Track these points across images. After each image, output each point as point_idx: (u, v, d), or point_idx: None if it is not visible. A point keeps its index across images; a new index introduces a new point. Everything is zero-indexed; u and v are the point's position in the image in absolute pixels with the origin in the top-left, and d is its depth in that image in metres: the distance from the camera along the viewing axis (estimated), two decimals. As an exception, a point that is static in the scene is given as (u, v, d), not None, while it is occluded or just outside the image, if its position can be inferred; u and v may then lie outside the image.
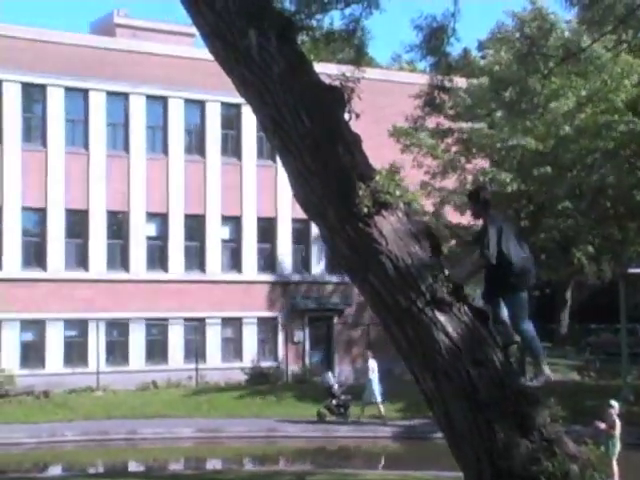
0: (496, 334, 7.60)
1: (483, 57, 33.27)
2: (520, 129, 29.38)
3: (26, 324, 33.58)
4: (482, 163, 33.27)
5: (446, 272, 7.52)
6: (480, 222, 8.00)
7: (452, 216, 32.64)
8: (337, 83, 7.87)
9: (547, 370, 7.75)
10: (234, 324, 36.87)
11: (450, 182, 33.02)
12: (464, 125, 32.00)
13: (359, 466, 23.47)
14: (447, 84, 11.91)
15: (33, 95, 34.49)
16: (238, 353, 36.81)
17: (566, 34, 24.63)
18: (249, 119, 34.92)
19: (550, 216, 31.61)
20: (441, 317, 7.34)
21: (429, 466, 20.36)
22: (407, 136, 32.57)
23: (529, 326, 7.81)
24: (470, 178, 32.44)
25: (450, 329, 7.32)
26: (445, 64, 11.81)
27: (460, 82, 30.77)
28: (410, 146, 32.49)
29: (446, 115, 32.20)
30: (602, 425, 16.02)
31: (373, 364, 27.55)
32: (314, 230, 34.93)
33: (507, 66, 27.56)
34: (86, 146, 35.04)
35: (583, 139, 29.47)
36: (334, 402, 27.48)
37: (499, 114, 29.22)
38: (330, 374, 29.34)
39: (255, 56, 7.55)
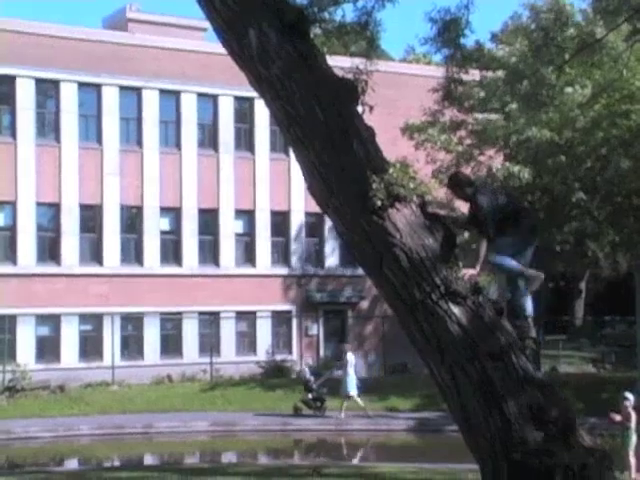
0: (512, 327, 7.58)
1: (498, 48, 33.15)
2: (535, 121, 29.29)
3: (41, 319, 33.73)
4: (495, 155, 33.19)
5: (460, 264, 7.51)
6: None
7: (464, 207, 32.57)
8: (350, 76, 7.86)
9: (532, 271, 7.77)
10: (248, 318, 36.93)
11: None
12: (479, 116, 31.91)
13: (374, 459, 23.49)
14: (463, 76, 11.88)
15: (46, 90, 34.60)
16: (252, 347, 36.88)
17: (581, 24, 24.55)
18: (262, 113, 34.96)
19: (565, 208, 31.51)
20: (456, 309, 7.33)
21: (444, 459, 20.34)
22: (419, 132, 32.54)
23: (507, 260, 7.78)
24: (484, 170, 32.35)
25: (465, 321, 7.31)
26: (460, 56, 11.78)
27: (474, 74, 30.73)
28: (424, 142, 32.46)
29: (460, 107, 32.14)
30: (617, 417, 15.96)
31: (351, 358, 27.54)
32: (328, 223, 34.93)
33: (522, 58, 27.48)
34: (99, 141, 35.13)
35: (598, 130, 29.34)
36: (310, 396, 27.50)
37: (514, 106, 29.14)
38: (307, 368, 29.34)
39: (267, 50, 7.54)
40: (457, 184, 8.01)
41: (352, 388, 26.88)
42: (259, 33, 7.56)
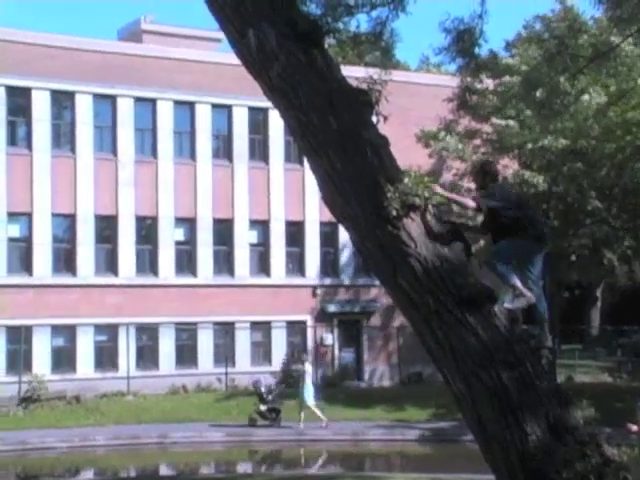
0: (527, 336, 7.56)
1: (511, 56, 33.17)
2: (551, 129, 29.26)
3: (57, 329, 33.84)
4: (511, 163, 33.14)
5: (476, 274, 7.49)
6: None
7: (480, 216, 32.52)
8: (364, 86, 7.87)
9: (527, 292, 7.70)
10: (263, 328, 36.93)
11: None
12: (496, 121, 31.87)
13: (389, 469, 23.43)
14: (477, 86, 11.87)
15: (62, 102, 34.79)
16: (267, 357, 36.87)
17: (595, 32, 24.51)
18: (276, 123, 35.00)
19: (580, 216, 31.42)
20: (471, 318, 7.31)
21: (460, 469, 20.28)
22: (435, 140, 32.54)
23: (504, 267, 7.73)
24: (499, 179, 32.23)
25: (480, 330, 7.29)
26: (474, 66, 11.77)
27: (488, 83, 30.71)
28: (441, 150, 32.46)
29: (475, 116, 32.14)
30: (634, 427, 15.86)
31: (309, 368, 27.58)
32: (342, 233, 34.90)
33: (535, 66, 27.46)
34: (114, 152, 35.28)
35: (613, 138, 29.27)
36: (263, 407, 27.49)
37: (528, 112, 29.11)
38: (262, 379, 29.33)
39: (281, 60, 7.57)
40: (487, 172, 8.00)
41: (310, 398, 26.92)
42: (272, 43, 7.59)
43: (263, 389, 27.97)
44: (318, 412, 26.80)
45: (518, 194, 8.09)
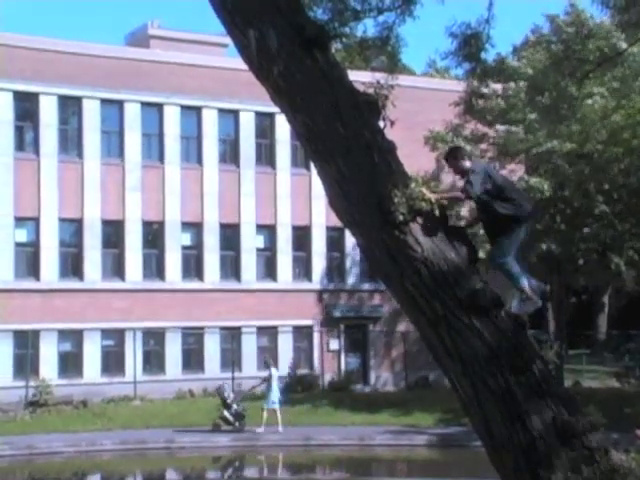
0: (534, 341, 7.54)
1: (518, 60, 33.18)
2: (557, 133, 29.24)
3: (64, 334, 33.89)
4: (517, 168, 33.13)
5: (484, 279, 7.47)
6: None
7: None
8: (371, 90, 7.87)
9: (534, 296, 7.64)
10: (270, 333, 36.94)
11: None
12: (500, 127, 31.90)
13: (396, 474, 23.39)
14: (484, 90, 11.85)
15: (69, 107, 34.89)
16: (274, 361, 36.72)
17: (603, 36, 24.51)
18: (283, 128, 35.07)
19: (588, 220, 31.37)
20: (478, 323, 7.30)
21: (467, 474, 20.24)
22: (442, 142, 32.55)
23: (510, 262, 7.68)
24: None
25: (487, 335, 7.27)
26: (481, 71, 11.74)
27: (495, 87, 30.68)
28: None
29: (482, 120, 32.14)
30: (643, 433, 15.80)
31: (274, 372, 27.55)
32: (349, 238, 34.92)
33: (542, 70, 27.48)
34: (121, 157, 35.35)
35: (619, 141, 29.23)
36: (226, 413, 27.47)
37: (533, 116, 29.09)
38: (226, 385, 29.31)
39: (282, 61, 7.57)
40: (456, 156, 7.93)
41: (275, 402, 26.93)
42: (278, 48, 7.59)
43: (227, 395, 28.00)
44: (279, 416, 26.87)
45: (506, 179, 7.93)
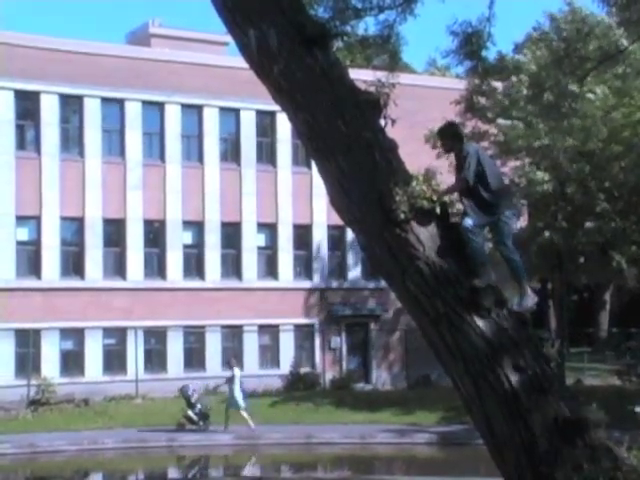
0: (536, 339, 7.54)
1: (521, 56, 33.13)
2: (558, 129, 29.24)
3: (65, 333, 33.90)
4: (519, 165, 33.08)
5: (485, 277, 7.47)
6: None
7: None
8: (373, 89, 7.86)
9: (530, 292, 7.64)
10: (271, 331, 36.94)
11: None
12: (502, 122, 31.82)
13: (398, 472, 23.40)
14: (485, 88, 11.85)
15: (70, 106, 34.88)
16: (275, 360, 36.87)
17: (604, 34, 24.48)
18: (284, 126, 35.04)
19: (589, 218, 31.36)
20: (480, 322, 7.30)
21: (469, 472, 20.24)
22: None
23: (509, 248, 7.69)
24: (506, 181, 32.25)
25: (489, 334, 7.27)
26: (482, 69, 11.75)
27: (496, 85, 30.63)
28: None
29: (482, 118, 32.11)
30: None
31: (237, 372, 27.51)
32: (350, 236, 34.93)
33: (544, 67, 27.47)
34: (122, 155, 35.34)
35: (620, 140, 29.22)
36: (190, 412, 27.46)
37: (533, 109, 29.05)
38: (190, 385, 29.25)
39: (283, 59, 7.57)
40: (453, 135, 7.92)
41: (240, 402, 26.90)
42: (280, 46, 7.59)
43: (190, 394, 28.00)
44: (247, 417, 26.84)
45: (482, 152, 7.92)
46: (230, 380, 27.29)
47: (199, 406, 27.67)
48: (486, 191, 7.56)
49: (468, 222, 7.43)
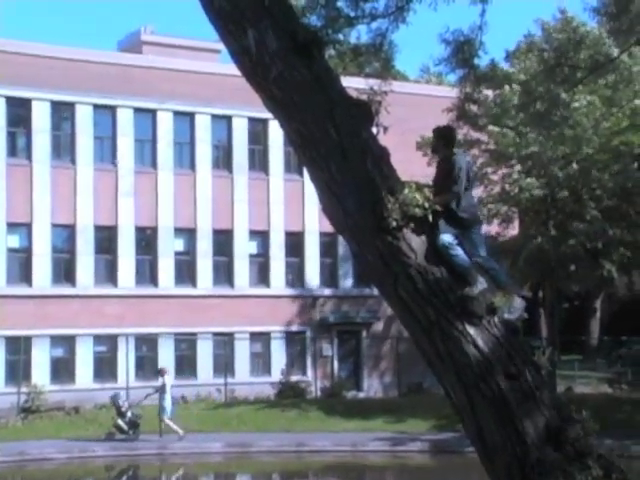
0: (527, 347, 7.56)
1: (511, 66, 33.31)
2: (549, 138, 29.37)
3: (56, 340, 33.81)
4: (509, 172, 33.21)
5: (478, 285, 7.48)
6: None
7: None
8: (365, 97, 7.88)
9: (518, 298, 7.63)
10: (262, 339, 36.90)
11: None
12: (494, 128, 31.94)
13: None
14: (477, 96, 11.88)
15: (62, 112, 34.85)
16: (267, 368, 36.83)
17: (595, 43, 24.63)
18: (276, 134, 35.07)
19: (580, 226, 31.46)
20: (471, 330, 7.30)
21: (460, 480, 20.22)
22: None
23: (484, 258, 7.68)
24: (497, 188, 32.37)
25: (480, 342, 7.28)
26: (474, 77, 11.77)
27: (488, 93, 30.73)
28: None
29: (474, 126, 32.23)
30: None
31: (168, 381, 27.52)
32: (342, 244, 34.93)
33: (534, 76, 27.60)
34: (114, 162, 35.28)
35: (609, 149, 29.37)
36: (120, 421, 27.44)
37: (524, 116, 29.20)
38: (121, 394, 29.23)
39: (282, 71, 7.58)
40: (447, 140, 7.93)
41: (167, 410, 26.91)
42: (272, 54, 7.60)
43: (121, 403, 27.96)
44: (173, 426, 26.80)
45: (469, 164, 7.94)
46: (161, 389, 27.32)
47: (129, 415, 27.65)
48: (458, 206, 7.60)
49: (444, 239, 7.43)
